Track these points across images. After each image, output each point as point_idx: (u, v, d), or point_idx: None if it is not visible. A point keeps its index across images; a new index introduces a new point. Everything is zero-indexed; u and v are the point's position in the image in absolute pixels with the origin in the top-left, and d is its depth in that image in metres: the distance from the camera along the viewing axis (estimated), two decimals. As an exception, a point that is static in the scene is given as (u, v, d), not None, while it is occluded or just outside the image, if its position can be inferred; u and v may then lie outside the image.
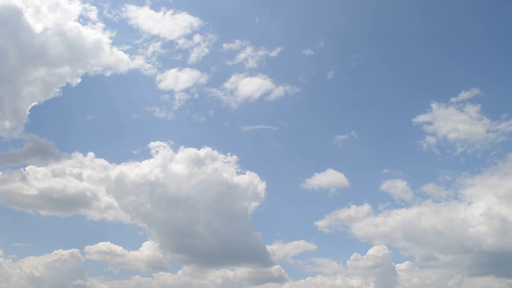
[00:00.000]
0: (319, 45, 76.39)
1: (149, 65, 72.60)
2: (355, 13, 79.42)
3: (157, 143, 64.53)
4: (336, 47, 78.37)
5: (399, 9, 77.44)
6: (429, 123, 64.26)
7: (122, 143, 73.15)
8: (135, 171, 61.96)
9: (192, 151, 64.00)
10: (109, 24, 71.19)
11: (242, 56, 73.90)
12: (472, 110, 62.13)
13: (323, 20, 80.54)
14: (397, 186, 63.70)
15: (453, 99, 64.01)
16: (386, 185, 64.65)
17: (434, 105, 64.50)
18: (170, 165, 62.16)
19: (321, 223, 65.41)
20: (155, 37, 73.41)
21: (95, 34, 66.52)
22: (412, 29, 76.96)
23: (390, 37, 78.26)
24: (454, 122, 62.70)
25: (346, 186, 66.02)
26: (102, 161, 65.27)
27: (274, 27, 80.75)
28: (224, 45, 75.05)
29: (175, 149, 64.70)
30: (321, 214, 67.07)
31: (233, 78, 73.68)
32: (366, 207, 64.47)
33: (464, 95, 63.26)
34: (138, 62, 72.02)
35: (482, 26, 72.41)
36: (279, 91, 72.49)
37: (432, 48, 74.46)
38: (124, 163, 65.11)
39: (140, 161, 63.71)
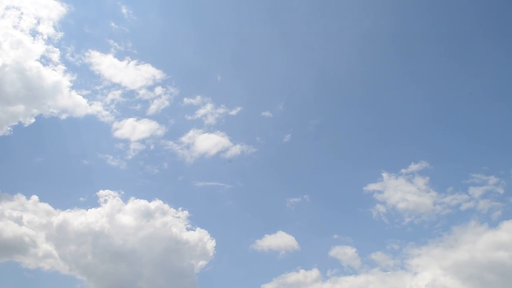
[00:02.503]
0: (278, 108, 78.57)
1: (107, 112, 71.55)
2: (315, 80, 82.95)
3: (107, 191, 62.23)
4: (294, 111, 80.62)
5: (355, 84, 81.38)
6: (380, 192, 65.97)
7: (69, 189, 69.88)
8: (79, 219, 59.12)
9: (142, 203, 62.23)
10: (70, 68, 70.23)
11: (202, 112, 74.54)
12: (420, 182, 64.51)
13: (285, 84, 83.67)
14: (346, 252, 63.79)
15: (403, 170, 66.26)
16: (336, 251, 64.59)
17: (385, 175, 66.56)
18: (117, 215, 59.86)
19: (269, 286, 63.69)
20: (116, 85, 73.06)
21: (55, 76, 65.56)
22: (367, 103, 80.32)
23: (347, 107, 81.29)
24: (403, 192, 64.70)
25: (296, 250, 65.42)
26: (45, 206, 61.77)
27: (236, 87, 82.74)
28: (185, 99, 75.71)
29: (125, 200, 62.61)
30: (269, 277, 65.31)
31: (191, 133, 73.57)
32: (314, 272, 63.64)
33: (413, 167, 65.69)
34: (96, 108, 70.90)
35: (431, 105, 76.41)
36: (235, 149, 72.84)
37: (384, 120, 77.73)
38: (69, 209, 61.71)
39: (87, 209, 60.89)
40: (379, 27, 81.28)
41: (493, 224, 58.84)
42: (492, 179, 61.90)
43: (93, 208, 60.50)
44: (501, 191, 60.93)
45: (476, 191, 62.12)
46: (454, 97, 75.37)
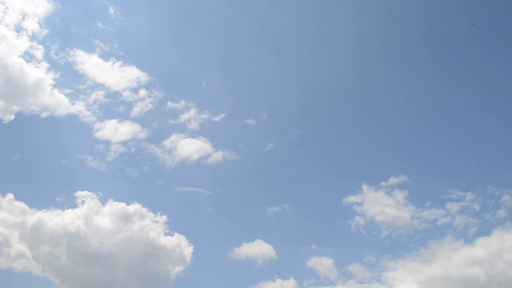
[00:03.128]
0: (262, 117, 78.68)
1: (89, 112, 70.66)
2: (300, 90, 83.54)
3: (85, 192, 61.32)
4: (278, 120, 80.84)
5: (339, 96, 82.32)
6: (359, 204, 66.47)
7: (46, 188, 68.64)
8: (55, 219, 58.05)
9: (120, 205, 61.43)
10: (54, 65, 69.32)
11: (185, 116, 74.20)
12: (399, 195, 65.22)
13: (269, 92, 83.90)
14: (324, 263, 63.97)
15: (383, 183, 66.91)
16: (313, 261, 64.71)
17: (365, 187, 67.11)
18: (95, 217, 58.99)
19: (245, 295, 63.54)
20: (99, 86, 72.26)
21: (38, 73, 64.65)
22: (351, 115, 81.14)
23: (331, 118, 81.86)
24: (382, 205, 65.30)
25: (273, 259, 65.31)
26: (21, 205, 60.30)
27: (221, 93, 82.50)
28: (169, 103, 75.25)
29: (103, 202, 61.82)
30: (246, 285, 65.21)
31: (173, 137, 73.11)
32: (291, 282, 63.51)
33: (393, 180, 66.40)
34: (78, 107, 69.97)
35: (412, 121, 77.49)
36: (217, 156, 72.57)
37: (366, 133, 78.55)
38: (45, 209, 60.55)
39: (63, 210, 59.94)
40: (365, 40, 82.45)
41: (469, 240, 59.84)
42: (469, 196, 63.10)
43: (70, 209, 59.66)
44: (477, 207, 62.07)
45: (453, 207, 63.17)
46: (434, 114, 76.50)
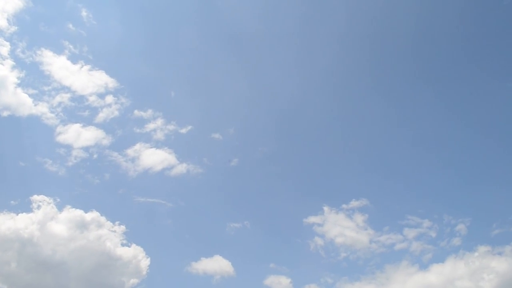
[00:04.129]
0: (229, 132, 78.56)
1: (52, 115, 68.72)
2: (269, 108, 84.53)
3: (41, 197, 59.48)
4: (244, 137, 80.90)
5: (306, 117, 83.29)
6: (319, 225, 67.13)
7: (0, 190, 65.99)
8: (7, 223, 55.65)
9: (78, 212, 59.74)
10: (19, 64, 67.44)
11: (151, 126, 73.36)
12: (359, 219, 66.36)
13: (238, 109, 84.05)
14: (281, 282, 63.91)
15: (344, 206, 67.93)
16: (270, 280, 64.54)
17: (326, 209, 67.96)
18: (50, 223, 57.07)
19: (200, 311, 62.55)
20: (65, 88, 70.59)
21: (2, 71, 62.87)
22: (316, 137, 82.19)
23: (297, 139, 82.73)
24: (342, 227, 66.20)
25: (231, 276, 64.78)
26: (-29, 206, 57.99)
27: (189, 105, 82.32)
28: (136, 111, 74.29)
29: (60, 208, 60.01)
30: (202, 301, 64.33)
31: (137, 146, 71.91)
32: (248, 300, 63.38)
33: (354, 203, 67.55)
34: (41, 109, 68.01)
35: (375, 147, 79.26)
36: (181, 168, 71.92)
37: (330, 155, 79.91)
38: (-3, 212, 58.37)
39: (17, 214, 57.58)
40: (334, 62, 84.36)
41: (423, 266, 61.26)
42: (426, 223, 64.75)
43: (24, 213, 57.45)
44: (433, 234, 63.71)
45: (410, 233, 64.62)
46: (398, 141, 78.73)
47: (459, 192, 69.27)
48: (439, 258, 61.35)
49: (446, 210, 65.81)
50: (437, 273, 58.76)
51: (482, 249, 58.88)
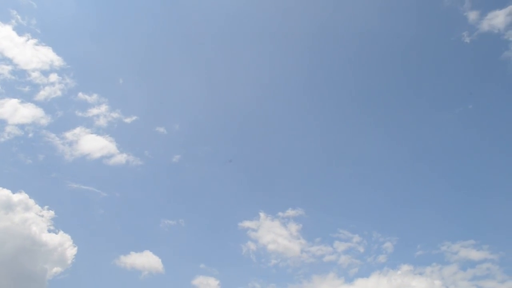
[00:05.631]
0: (174, 127, 77.68)
1: (-11, 87, 64.90)
2: (216, 109, 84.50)
3: (-35, 171, 55.93)
4: (189, 134, 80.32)
5: (254, 122, 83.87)
6: (254, 230, 67.71)
7: None
8: None
9: (4, 192, 56.40)
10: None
11: (95, 111, 71.15)
12: (293, 228, 67.61)
13: (187, 105, 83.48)
14: (210, 283, 63.74)
15: (280, 214, 68.93)
16: (199, 281, 64.20)
17: (262, 215, 68.65)
18: (-29, 201, 53.80)
19: (123, 306, 61.02)
20: (7, 60, 67.01)
21: None
22: (262, 143, 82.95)
23: (242, 142, 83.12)
24: (276, 234, 67.12)
25: (160, 272, 63.76)
26: None
27: (136, 95, 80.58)
28: (80, 94, 71.81)
29: (-15, 185, 56.45)
30: (125, 297, 62.79)
31: (77, 130, 69.42)
32: (173, 299, 62.62)
33: (290, 212, 68.69)
34: (-23, 79, 64.05)
35: (316, 159, 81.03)
36: (121, 158, 70.19)
37: (272, 163, 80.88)
38: None
39: None
40: (285, 72, 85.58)
41: (349, 279, 63.20)
42: (356, 238, 66.96)
43: None
44: (361, 250, 65.95)
45: (340, 246, 66.62)
46: (338, 155, 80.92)
47: (390, 212, 72.42)
48: (365, 273, 63.68)
49: (376, 228, 68.55)
50: (361, 287, 61.05)
51: (405, 268, 61.87)
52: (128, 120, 73.19)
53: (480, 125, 73.28)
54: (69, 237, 59.14)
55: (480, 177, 70.58)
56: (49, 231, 58.64)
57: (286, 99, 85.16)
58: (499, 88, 73.22)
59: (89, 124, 70.71)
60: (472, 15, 69.47)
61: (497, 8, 68.40)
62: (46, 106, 68.50)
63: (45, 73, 69.02)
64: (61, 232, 59.25)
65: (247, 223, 68.45)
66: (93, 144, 69.54)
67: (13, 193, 56.75)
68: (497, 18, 67.74)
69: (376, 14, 79.79)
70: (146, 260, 64.29)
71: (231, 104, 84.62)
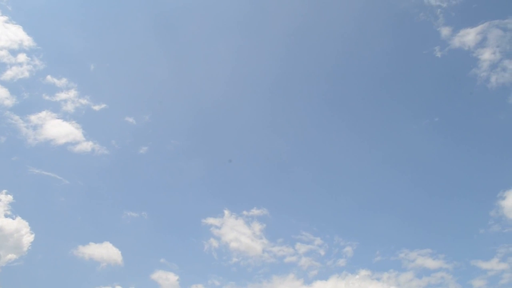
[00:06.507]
0: (144, 119, 76.40)
1: (-49, 62, 62.30)
2: (188, 103, 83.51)
3: None
4: (159, 127, 79.09)
5: (225, 118, 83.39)
6: (217, 227, 67.52)
7: None
8: None
9: (-40, 173, 54.73)
10: None
11: (63, 96, 69.23)
12: (257, 227, 67.81)
13: (159, 97, 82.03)
14: (169, 278, 63.23)
15: (244, 212, 68.96)
16: (158, 275, 63.61)
17: (226, 212, 68.56)
18: None
19: (78, 297, 59.74)
20: (-28, 36, 64.39)
21: None
22: (230, 140, 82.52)
23: (212, 137, 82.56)
24: (239, 233, 67.18)
25: (119, 265, 62.78)
26: None
27: (107, 83, 78.89)
28: (49, 77, 69.68)
29: None
30: None
31: (43, 114, 67.35)
32: (130, 292, 61.73)
33: (255, 211, 68.80)
34: None
35: (283, 156, 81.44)
36: (87, 146, 68.50)
37: (239, 161, 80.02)
38: None
39: None
40: (260, 70, 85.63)
41: (308, 281, 63.79)
42: (318, 241, 67.69)
43: None
44: (322, 253, 66.73)
45: (302, 248, 67.14)
46: (303, 162, 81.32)
47: (352, 217, 73.41)
48: (324, 275, 64.47)
49: (338, 232, 69.48)
50: (319, 289, 61.90)
51: (363, 272, 62.97)
52: (96, 107, 71.81)
53: (444, 137, 75.26)
54: (27, 223, 57.52)
55: (442, 188, 72.59)
56: (6, 216, 56.92)
57: (257, 97, 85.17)
58: (465, 103, 75.51)
59: (56, 109, 69.00)
60: (445, 31, 71.17)
61: (469, 26, 70.45)
62: (12, 86, 66.29)
63: (13, 52, 66.92)
64: (18, 218, 57.57)
65: (210, 220, 68.34)
66: (58, 129, 67.90)
67: (-30, 174, 54.90)
68: (468, 36, 69.69)
69: (351, 25, 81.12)
70: (105, 252, 63.22)
71: (202, 99, 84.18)
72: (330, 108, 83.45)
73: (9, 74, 65.95)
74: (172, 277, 64.07)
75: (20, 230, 56.42)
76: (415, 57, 77.64)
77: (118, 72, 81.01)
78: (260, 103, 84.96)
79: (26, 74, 67.23)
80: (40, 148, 66.91)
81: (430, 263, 62.85)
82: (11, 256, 55.94)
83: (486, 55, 68.49)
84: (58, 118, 68.50)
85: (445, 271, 61.47)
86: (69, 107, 69.38)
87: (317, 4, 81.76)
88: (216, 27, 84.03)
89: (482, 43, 69.20)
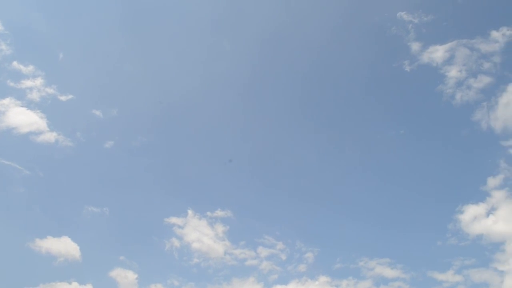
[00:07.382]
0: (111, 112, 74.60)
1: None
2: (158, 98, 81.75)
3: None
4: (126, 121, 77.62)
5: (193, 115, 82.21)
6: (180, 227, 66.85)
7: None
8: None
9: None
10: None
11: (28, 83, 67.26)
12: (220, 229, 67.53)
13: (128, 91, 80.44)
14: (127, 276, 62.25)
15: (208, 213, 68.50)
16: (116, 272, 62.48)
17: (190, 212, 67.92)
18: None
19: (32, 293, 57.88)
20: None
21: None
22: (200, 139, 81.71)
23: (180, 136, 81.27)
24: (201, 234, 66.72)
25: (76, 260, 61.32)
26: None
27: (76, 73, 76.89)
28: (15, 63, 67.71)
29: None
30: (36, 282, 59.16)
31: (6, 101, 65.16)
32: (88, 288, 60.42)
33: (219, 213, 68.49)
34: None
35: (251, 157, 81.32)
36: (50, 136, 66.70)
37: (207, 162, 79.54)
38: None
39: None
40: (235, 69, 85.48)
41: (268, 285, 63.85)
42: (280, 245, 67.71)
43: None
44: (283, 257, 66.78)
45: (263, 252, 67.06)
46: (273, 166, 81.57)
47: (314, 223, 73.65)
48: (284, 280, 64.64)
49: (300, 237, 69.62)
50: (278, 294, 62.31)
51: (323, 279, 63.58)
52: (63, 98, 69.89)
53: (409, 150, 76.66)
54: (-18, 213, 55.62)
55: (403, 199, 73.74)
56: (-40, 204, 54.79)
57: (227, 96, 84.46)
58: (430, 118, 77.06)
59: (20, 97, 66.96)
60: (415, 46, 72.70)
61: (438, 43, 72.24)
62: (-26, 71, 63.97)
63: (-22, 36, 64.58)
64: (-27, 207, 55.58)
65: (173, 219, 67.54)
66: (21, 118, 65.84)
67: None
68: (437, 52, 71.47)
69: (325, 34, 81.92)
70: (63, 246, 61.69)
71: (173, 96, 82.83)
72: (301, 112, 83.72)
73: (-28, 57, 63.75)
74: (131, 275, 63.18)
75: (-26, 220, 54.52)
76: (385, 70, 78.92)
77: (88, 63, 79.25)
78: (230, 102, 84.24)
79: (-9, 59, 65.13)
80: (0, 136, 64.91)
81: (388, 272, 64.05)
82: (-37, 246, 54.02)
83: (453, 73, 70.42)
84: (22, 106, 66.61)
85: (402, 281, 62.78)
86: (35, 96, 67.65)
87: (292, 10, 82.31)
88: (190, 21, 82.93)
89: (449, 60, 71.11)
